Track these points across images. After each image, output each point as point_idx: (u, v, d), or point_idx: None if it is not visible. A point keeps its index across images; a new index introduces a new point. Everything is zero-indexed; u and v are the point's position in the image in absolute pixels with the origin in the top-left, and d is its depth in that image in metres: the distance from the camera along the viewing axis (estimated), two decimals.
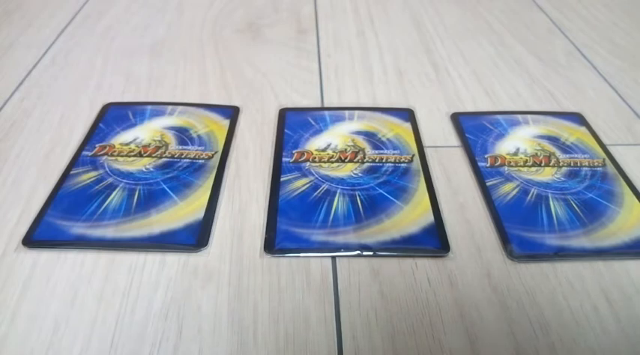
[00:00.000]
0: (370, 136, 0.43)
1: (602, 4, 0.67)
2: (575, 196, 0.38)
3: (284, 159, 0.41)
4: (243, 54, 0.56)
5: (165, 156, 0.41)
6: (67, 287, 0.32)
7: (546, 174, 0.40)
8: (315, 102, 0.48)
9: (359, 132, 0.44)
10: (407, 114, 0.46)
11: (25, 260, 0.33)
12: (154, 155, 0.41)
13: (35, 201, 0.37)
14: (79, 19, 0.62)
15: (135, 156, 0.41)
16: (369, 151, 0.42)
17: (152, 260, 0.34)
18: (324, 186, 0.38)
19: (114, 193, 0.37)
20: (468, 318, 0.31)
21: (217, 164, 0.40)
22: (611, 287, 0.32)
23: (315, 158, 0.41)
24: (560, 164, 0.41)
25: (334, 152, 0.42)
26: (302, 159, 0.41)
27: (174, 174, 0.39)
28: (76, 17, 0.62)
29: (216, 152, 0.42)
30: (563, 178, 0.39)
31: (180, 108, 0.47)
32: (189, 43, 0.58)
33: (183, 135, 0.43)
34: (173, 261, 0.34)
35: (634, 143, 0.44)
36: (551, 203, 0.37)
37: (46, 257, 0.34)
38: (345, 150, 0.42)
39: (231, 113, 0.46)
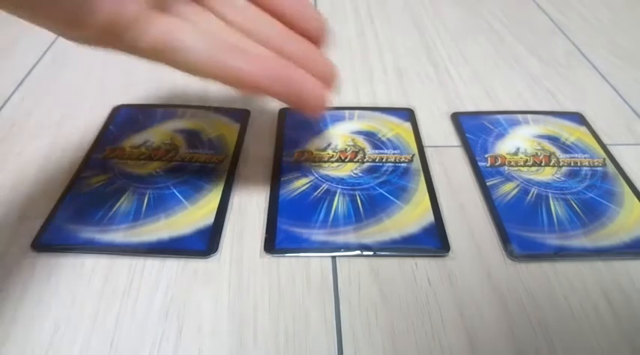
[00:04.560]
0: (370, 136, 0.43)
1: (602, 4, 0.67)
2: (576, 196, 0.38)
3: (284, 159, 0.41)
4: None
5: (176, 160, 0.40)
6: (68, 288, 0.32)
7: (546, 174, 0.40)
8: None
9: (359, 132, 0.44)
10: (407, 114, 0.46)
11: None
12: (164, 158, 0.40)
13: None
14: None
15: (145, 159, 0.40)
16: (369, 151, 0.42)
17: (152, 260, 0.34)
18: (324, 186, 0.38)
19: (123, 197, 0.37)
20: (468, 318, 0.31)
21: (228, 168, 0.40)
22: (611, 287, 0.32)
23: (315, 158, 0.41)
24: (561, 164, 0.41)
25: (334, 152, 0.42)
26: (302, 159, 0.41)
27: (184, 178, 0.39)
28: None
29: (226, 156, 0.41)
30: (563, 178, 0.39)
31: (190, 110, 0.46)
32: None
33: (193, 138, 0.43)
34: (173, 261, 0.34)
35: (634, 143, 0.44)
36: (551, 203, 0.37)
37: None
38: (345, 149, 0.42)
39: (242, 116, 0.46)
